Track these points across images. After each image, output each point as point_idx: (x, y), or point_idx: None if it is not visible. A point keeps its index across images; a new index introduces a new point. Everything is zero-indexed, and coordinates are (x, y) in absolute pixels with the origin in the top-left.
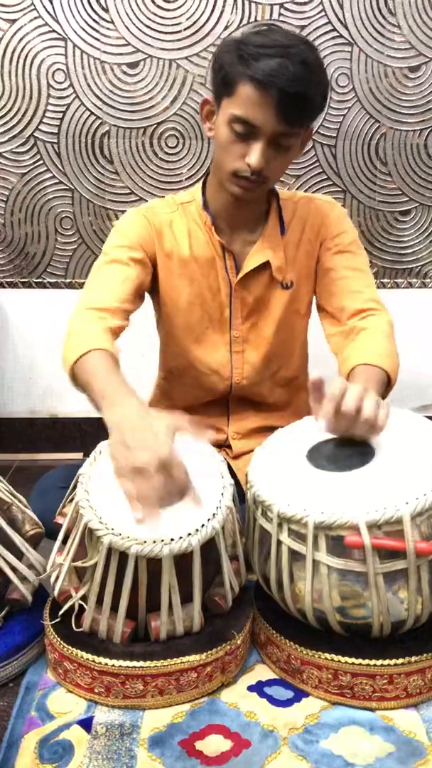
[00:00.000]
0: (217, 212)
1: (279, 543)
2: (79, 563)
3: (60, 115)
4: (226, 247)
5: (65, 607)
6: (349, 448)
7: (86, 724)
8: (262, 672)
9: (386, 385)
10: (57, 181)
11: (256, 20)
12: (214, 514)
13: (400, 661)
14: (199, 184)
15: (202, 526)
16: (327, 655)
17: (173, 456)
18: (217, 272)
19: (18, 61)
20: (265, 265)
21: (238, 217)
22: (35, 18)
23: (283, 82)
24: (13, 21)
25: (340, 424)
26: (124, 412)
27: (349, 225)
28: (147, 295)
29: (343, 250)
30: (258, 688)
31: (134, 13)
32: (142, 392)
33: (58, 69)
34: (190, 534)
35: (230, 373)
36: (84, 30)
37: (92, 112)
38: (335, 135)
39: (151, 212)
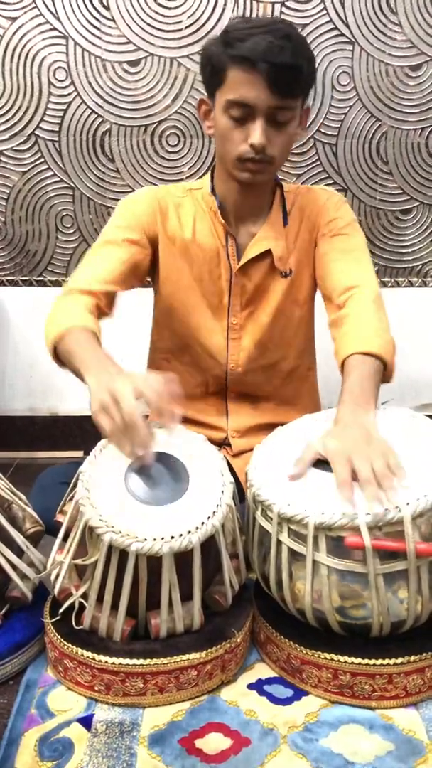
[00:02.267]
0: (224, 201)
1: (279, 543)
2: (79, 561)
3: (61, 113)
4: (229, 232)
5: (65, 605)
6: None
7: (86, 721)
8: (262, 670)
9: (383, 367)
10: (58, 179)
11: (257, 18)
12: (214, 512)
13: (400, 660)
14: (208, 174)
15: (202, 523)
16: (327, 655)
17: (121, 391)
18: (219, 258)
19: (19, 59)
20: (267, 254)
21: (244, 206)
22: (36, 16)
23: (269, 55)
24: (14, 19)
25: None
26: (105, 372)
27: (345, 211)
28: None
29: (337, 234)
30: (258, 686)
31: (135, 11)
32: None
33: (59, 67)
34: (190, 532)
35: (226, 359)
36: (85, 28)
37: (93, 111)
38: (336, 134)
39: (161, 193)
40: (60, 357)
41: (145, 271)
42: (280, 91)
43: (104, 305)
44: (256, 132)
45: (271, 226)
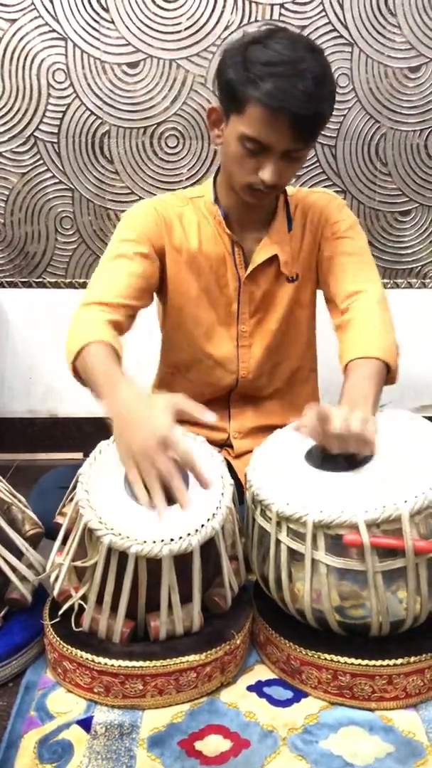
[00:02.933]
0: (228, 210)
1: (278, 542)
2: (78, 563)
3: (60, 115)
4: (235, 241)
5: (65, 607)
6: None
7: (86, 723)
8: (262, 672)
9: (386, 371)
10: (57, 180)
11: (256, 20)
12: (213, 514)
13: (400, 661)
14: (209, 181)
15: (202, 526)
16: (326, 656)
17: (172, 432)
18: (226, 267)
19: (18, 61)
20: (273, 260)
21: (248, 217)
22: (35, 18)
23: (295, 104)
24: (14, 21)
25: (332, 444)
26: (123, 398)
27: (346, 214)
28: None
29: (340, 236)
30: (257, 688)
31: (134, 13)
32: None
33: (58, 69)
34: (189, 534)
35: (236, 367)
36: (84, 30)
37: (92, 112)
38: (335, 135)
39: (161, 204)
40: (81, 375)
41: (155, 285)
42: (300, 137)
43: (123, 320)
44: (269, 171)
45: (276, 232)
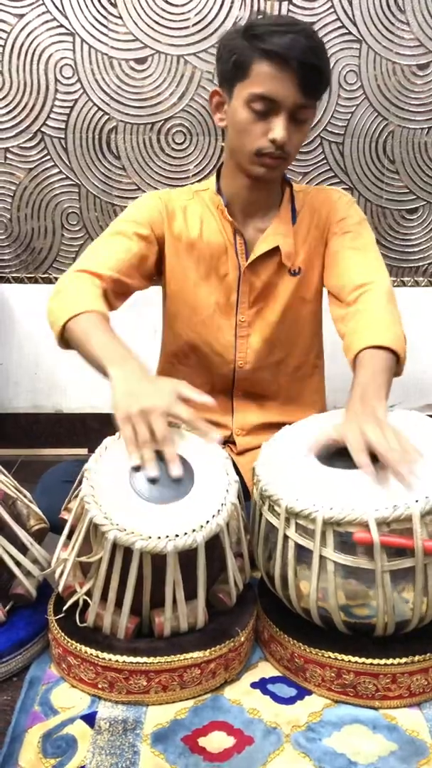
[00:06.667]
0: (232, 198)
1: (285, 538)
2: (83, 558)
3: (67, 111)
4: (237, 229)
5: (69, 602)
6: None
7: (89, 719)
8: (266, 669)
9: (395, 360)
10: (64, 176)
11: (265, 16)
12: (218, 511)
13: (404, 660)
14: (213, 175)
15: (207, 522)
16: (330, 654)
17: (176, 401)
18: (227, 257)
19: (26, 56)
20: (275, 251)
21: (252, 203)
22: (43, 13)
23: (300, 54)
24: (21, 16)
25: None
26: (129, 368)
27: (355, 210)
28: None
29: (347, 231)
30: (261, 685)
31: (142, 9)
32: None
33: (65, 64)
34: (194, 530)
35: (234, 356)
36: (92, 25)
37: (100, 108)
38: (343, 132)
39: (167, 196)
40: (70, 340)
41: (150, 270)
42: (307, 90)
43: (112, 294)
44: (279, 127)
45: (280, 223)
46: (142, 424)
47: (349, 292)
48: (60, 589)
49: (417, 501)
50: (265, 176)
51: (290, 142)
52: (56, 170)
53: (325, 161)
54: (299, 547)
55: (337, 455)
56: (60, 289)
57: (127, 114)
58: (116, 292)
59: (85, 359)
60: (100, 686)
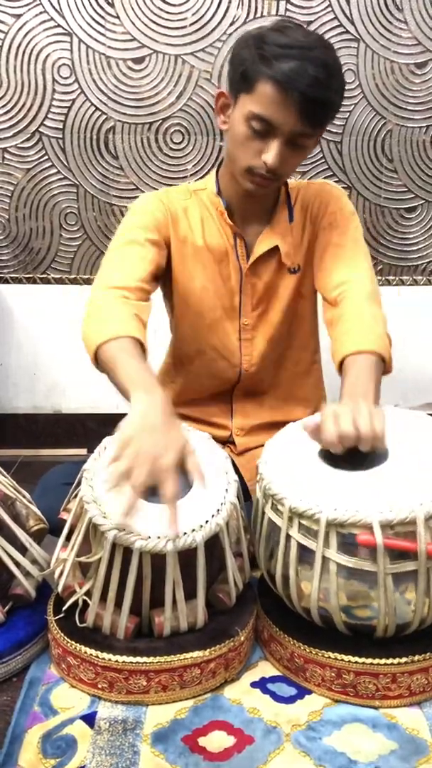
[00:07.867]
0: (230, 201)
1: (288, 538)
2: (83, 558)
3: (65, 111)
4: (237, 233)
5: (69, 603)
6: None
7: (89, 719)
8: (266, 669)
9: (381, 363)
10: (62, 176)
11: (262, 15)
12: (218, 510)
13: (404, 660)
14: (212, 174)
15: (206, 521)
16: (330, 654)
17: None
18: (228, 260)
19: (23, 57)
20: (274, 252)
21: (250, 209)
22: (41, 13)
23: (304, 85)
24: (19, 16)
25: (337, 449)
26: (151, 401)
27: (345, 203)
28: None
29: (334, 225)
30: (261, 684)
31: (140, 9)
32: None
33: (63, 64)
34: (194, 530)
35: (239, 360)
36: (89, 25)
37: (97, 108)
38: (341, 131)
39: (167, 197)
40: (101, 364)
41: (163, 274)
42: (308, 120)
43: (144, 307)
44: (272, 152)
45: (278, 223)
46: (143, 468)
47: (330, 291)
48: (59, 589)
49: (421, 504)
50: (254, 193)
51: (283, 167)
52: (54, 170)
53: (323, 160)
54: (302, 547)
55: (341, 456)
56: (91, 312)
57: (124, 114)
58: (146, 302)
59: (114, 385)
60: (99, 686)
